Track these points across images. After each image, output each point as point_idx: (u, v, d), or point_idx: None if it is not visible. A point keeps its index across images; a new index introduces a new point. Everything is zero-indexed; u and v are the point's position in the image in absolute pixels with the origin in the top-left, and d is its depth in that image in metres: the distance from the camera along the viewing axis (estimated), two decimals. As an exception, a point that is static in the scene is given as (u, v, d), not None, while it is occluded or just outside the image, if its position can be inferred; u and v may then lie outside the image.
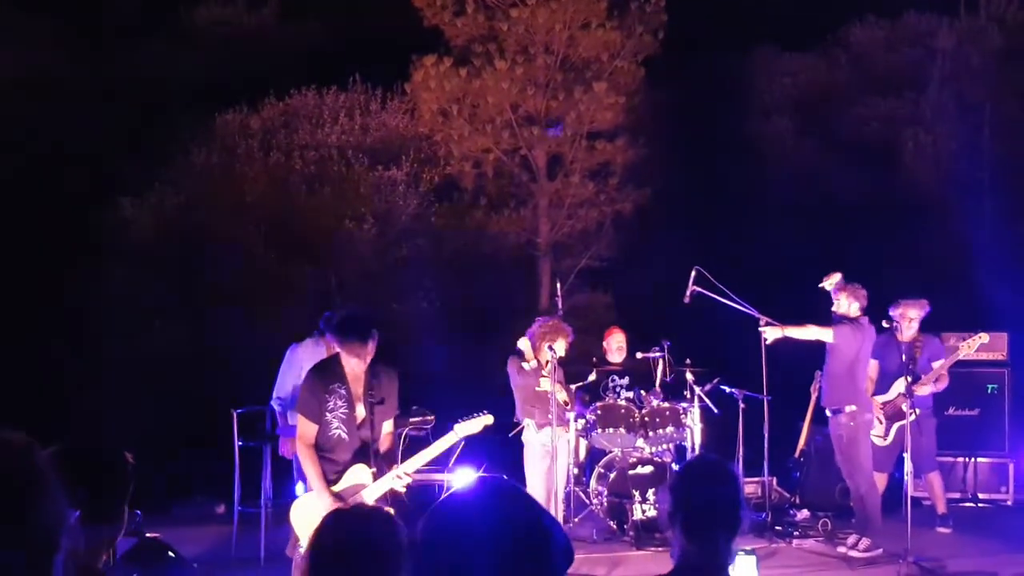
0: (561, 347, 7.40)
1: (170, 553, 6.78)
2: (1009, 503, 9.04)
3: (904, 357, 7.86)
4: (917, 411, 7.96)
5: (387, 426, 5.62)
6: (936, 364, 7.58)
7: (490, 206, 13.57)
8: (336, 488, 5.25)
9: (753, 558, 4.12)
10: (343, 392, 5.41)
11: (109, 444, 2.67)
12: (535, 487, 7.52)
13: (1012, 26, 12.79)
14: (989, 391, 9.17)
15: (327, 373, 5.46)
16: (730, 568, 2.74)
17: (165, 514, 8.95)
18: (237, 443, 7.80)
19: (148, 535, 6.93)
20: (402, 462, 5.54)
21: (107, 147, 11.74)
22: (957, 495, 9.26)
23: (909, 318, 8.01)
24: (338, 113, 13.00)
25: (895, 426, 8.08)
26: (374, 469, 5.42)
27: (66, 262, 11.28)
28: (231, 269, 11.51)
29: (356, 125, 13.02)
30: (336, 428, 5.38)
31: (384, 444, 5.59)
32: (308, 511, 5.07)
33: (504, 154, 13.34)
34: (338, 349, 5.46)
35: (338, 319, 5.53)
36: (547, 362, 7.47)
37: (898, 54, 13.94)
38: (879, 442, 8.15)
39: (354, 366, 5.39)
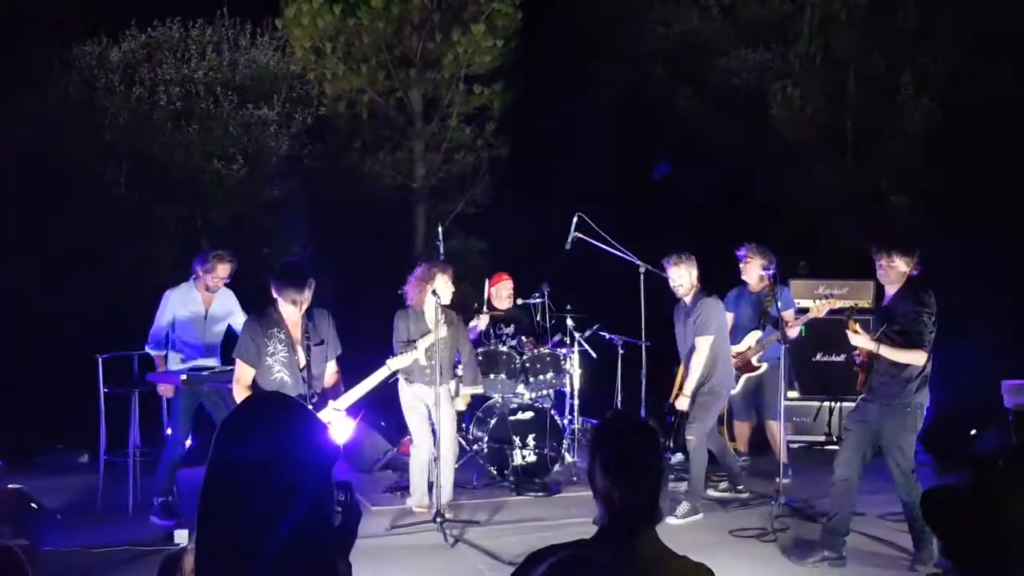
0: (444, 289, 7.20)
1: (32, 504, 6.50)
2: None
3: (764, 310, 8.15)
4: (766, 364, 8.22)
5: (331, 365, 5.94)
6: (786, 313, 7.79)
7: (365, 149, 13.29)
8: None
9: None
10: (282, 336, 5.67)
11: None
12: (419, 433, 7.45)
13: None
14: (855, 337, 9.47)
15: (265, 319, 5.68)
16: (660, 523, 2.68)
17: (25, 463, 8.54)
18: (102, 390, 7.47)
19: (10, 485, 6.61)
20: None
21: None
22: (822, 438, 9.64)
23: (747, 261, 8.21)
24: (205, 48, 12.42)
25: (743, 377, 8.31)
26: (311, 407, 5.57)
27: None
28: (90, 208, 10.91)
29: (224, 61, 12.48)
30: (278, 371, 5.65)
31: (329, 382, 5.90)
32: None
33: (380, 95, 13.03)
34: (275, 296, 5.63)
35: (277, 268, 5.76)
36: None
37: (768, 7, 14.15)
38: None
39: (291, 312, 5.65)
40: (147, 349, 7.47)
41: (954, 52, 12.47)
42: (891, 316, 6.15)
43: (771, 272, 7.89)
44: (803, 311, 8.36)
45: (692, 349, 7.53)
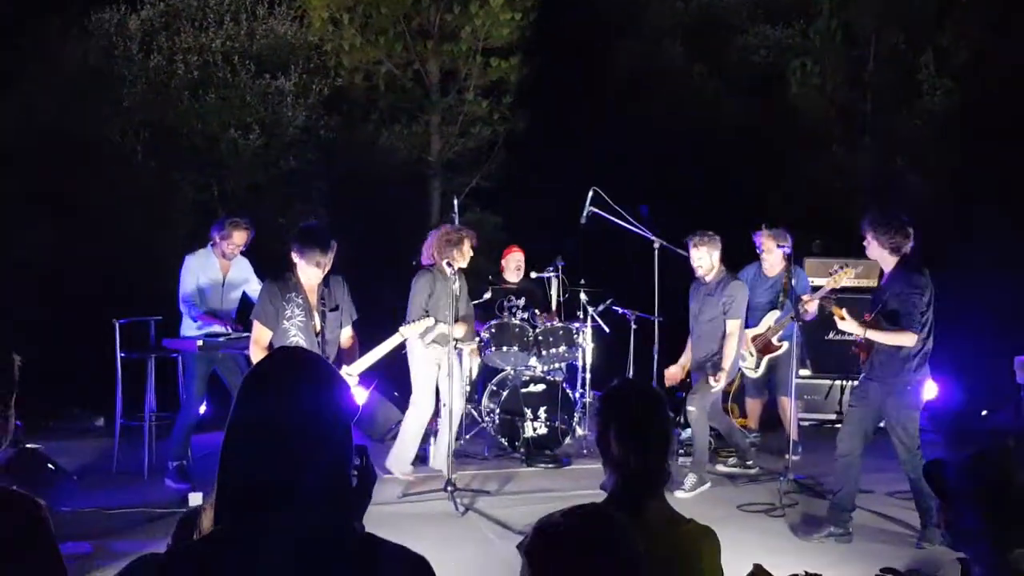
0: (467, 254, 7.37)
1: (49, 465, 6.59)
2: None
3: (783, 291, 8.12)
4: (785, 344, 8.21)
5: (347, 331, 6.05)
6: (804, 296, 7.79)
7: (381, 121, 13.28)
8: None
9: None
10: (300, 301, 5.74)
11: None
12: (423, 400, 7.49)
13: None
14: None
15: (283, 283, 5.74)
16: (666, 489, 2.74)
17: (42, 427, 8.65)
18: (119, 354, 7.53)
19: (28, 446, 6.69)
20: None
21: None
22: (833, 416, 9.65)
23: (767, 249, 8.17)
24: (223, 17, 12.42)
25: (765, 359, 8.32)
26: None
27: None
28: (107, 176, 10.96)
29: (242, 30, 12.47)
30: (294, 335, 5.72)
31: (346, 344, 6.03)
32: None
33: (397, 67, 13.01)
34: (297, 260, 5.67)
35: (298, 231, 5.79)
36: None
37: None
38: (750, 374, 8.42)
39: (311, 276, 5.71)
40: (190, 315, 7.34)
41: (974, 34, 12.36)
42: (883, 296, 6.14)
43: (787, 250, 7.88)
44: (817, 289, 8.34)
45: (704, 328, 7.56)
